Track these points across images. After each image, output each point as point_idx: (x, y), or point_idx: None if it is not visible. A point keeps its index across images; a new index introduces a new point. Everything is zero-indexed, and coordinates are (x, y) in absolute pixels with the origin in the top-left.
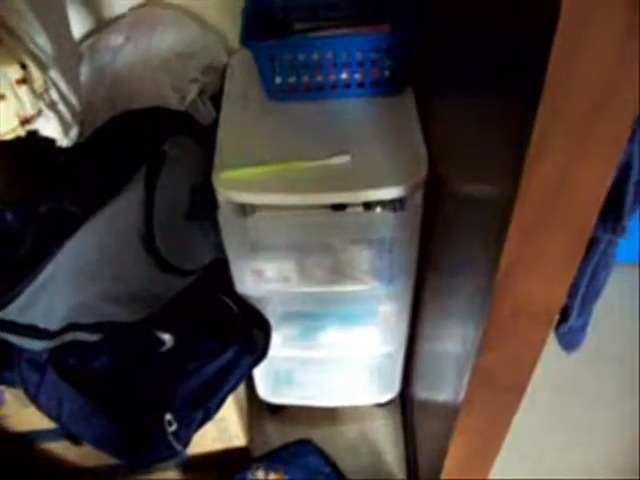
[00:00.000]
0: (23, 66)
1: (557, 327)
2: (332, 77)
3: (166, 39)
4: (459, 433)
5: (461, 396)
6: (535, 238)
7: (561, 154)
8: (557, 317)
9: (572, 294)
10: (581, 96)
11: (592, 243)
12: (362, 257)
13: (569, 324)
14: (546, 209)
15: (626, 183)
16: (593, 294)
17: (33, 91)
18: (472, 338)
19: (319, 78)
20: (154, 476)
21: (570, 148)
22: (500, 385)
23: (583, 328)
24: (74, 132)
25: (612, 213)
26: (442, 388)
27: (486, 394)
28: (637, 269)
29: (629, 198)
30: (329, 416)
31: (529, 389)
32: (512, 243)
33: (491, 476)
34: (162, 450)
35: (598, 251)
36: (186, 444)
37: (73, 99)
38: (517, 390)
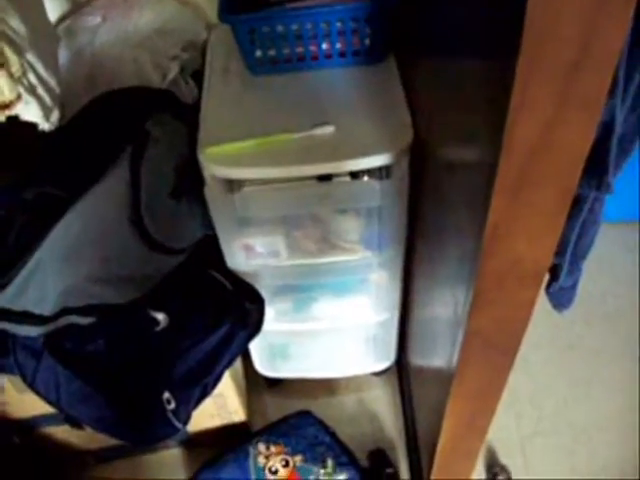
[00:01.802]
0: None
1: (548, 287)
2: (313, 48)
3: (144, 17)
4: (454, 397)
5: (454, 360)
6: (519, 197)
7: (542, 109)
8: (547, 277)
9: (561, 253)
10: (561, 47)
11: (578, 201)
12: (351, 227)
13: (559, 283)
14: (529, 167)
15: (609, 139)
16: (582, 252)
17: (10, 75)
18: (463, 302)
19: (299, 49)
20: (156, 455)
21: (551, 102)
22: (492, 347)
23: (573, 287)
24: (55, 116)
25: (596, 170)
26: (436, 353)
27: (479, 356)
28: (634, 228)
29: (612, 154)
30: (327, 387)
31: (525, 349)
32: (497, 203)
33: (490, 437)
34: (162, 428)
35: (585, 209)
36: (186, 421)
37: (52, 82)
38: (509, 351)
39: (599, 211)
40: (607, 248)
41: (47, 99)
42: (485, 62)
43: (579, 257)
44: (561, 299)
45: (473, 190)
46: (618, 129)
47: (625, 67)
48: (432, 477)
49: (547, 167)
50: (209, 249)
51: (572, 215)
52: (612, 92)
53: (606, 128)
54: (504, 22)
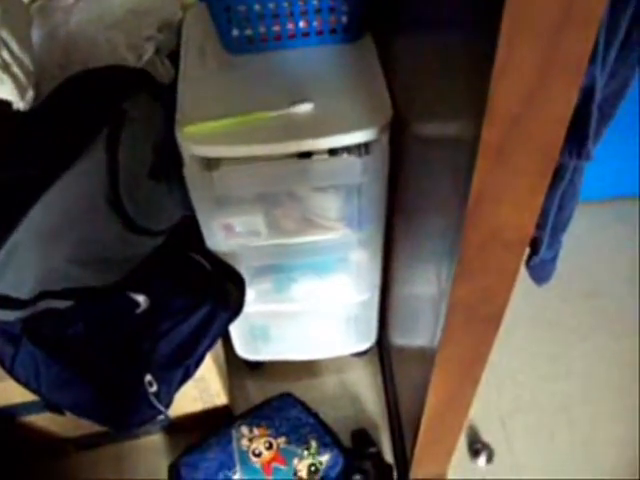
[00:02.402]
0: None
1: (528, 260)
2: (290, 26)
3: None
4: (438, 370)
5: (438, 334)
6: (503, 163)
7: (525, 73)
8: (527, 251)
9: (541, 225)
10: (544, 9)
11: (559, 171)
12: (330, 205)
13: (540, 256)
14: (512, 132)
15: (589, 105)
16: (562, 225)
17: None
18: (446, 274)
19: (276, 28)
20: (138, 441)
21: (535, 65)
22: (476, 317)
23: (553, 260)
24: (30, 94)
25: (577, 137)
26: (419, 331)
27: (463, 328)
28: (607, 206)
29: (593, 120)
30: (308, 369)
31: (504, 326)
32: (480, 170)
33: (472, 415)
34: (145, 411)
35: (565, 179)
36: (168, 404)
37: (26, 60)
38: (494, 321)
39: (578, 182)
40: (584, 225)
41: (22, 77)
42: (466, 31)
43: (559, 230)
44: (541, 272)
45: (455, 160)
46: (598, 95)
47: (605, 33)
48: (415, 454)
49: (530, 132)
50: (188, 230)
51: (552, 186)
52: (592, 58)
53: (586, 94)
54: None
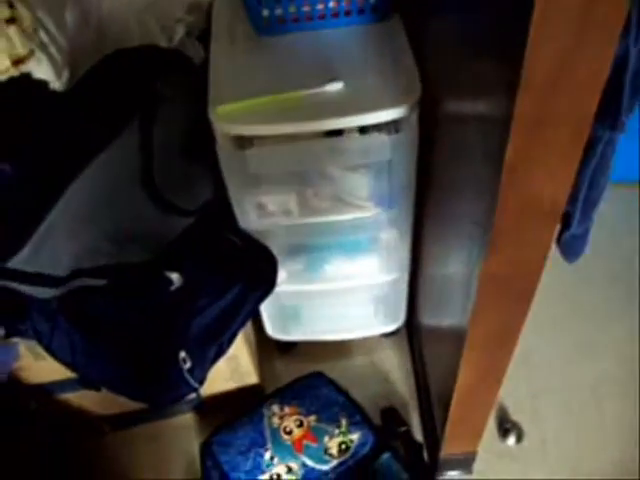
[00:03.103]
0: (11, 5)
1: (559, 237)
2: (319, 7)
3: None
4: (470, 346)
5: (469, 311)
6: (537, 132)
7: (560, 40)
8: (558, 226)
9: (573, 200)
10: None
11: (591, 143)
12: (361, 183)
13: (571, 231)
14: (546, 101)
15: (623, 76)
16: (593, 200)
17: (23, 30)
18: (478, 249)
19: (306, 8)
20: (170, 420)
21: (569, 32)
22: (508, 291)
23: (584, 236)
24: (66, 75)
25: (610, 108)
26: (449, 309)
27: (494, 303)
28: (635, 189)
29: (627, 90)
30: (338, 350)
31: (534, 306)
32: (515, 140)
33: (501, 394)
34: (179, 388)
35: (597, 151)
36: (202, 380)
37: (62, 41)
38: (525, 296)
39: (610, 157)
40: (614, 208)
41: (58, 57)
42: (500, 2)
43: (590, 205)
44: (572, 248)
45: (488, 132)
46: (631, 67)
47: (638, 6)
48: (446, 433)
49: (564, 100)
50: (221, 209)
51: (585, 159)
52: (626, 29)
53: (619, 65)
54: None
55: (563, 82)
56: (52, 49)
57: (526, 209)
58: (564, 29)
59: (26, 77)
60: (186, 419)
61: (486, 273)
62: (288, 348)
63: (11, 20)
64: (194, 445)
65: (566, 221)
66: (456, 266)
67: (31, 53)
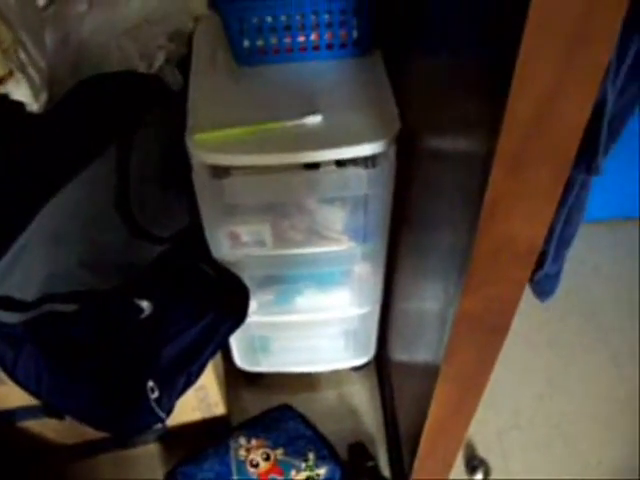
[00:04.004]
0: None
1: (532, 275)
2: (301, 39)
3: (131, 5)
4: (442, 381)
5: (443, 346)
6: (517, 174)
7: (544, 82)
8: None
9: (547, 239)
10: (565, 19)
11: (567, 186)
12: (337, 216)
13: (544, 270)
14: (528, 142)
15: (601, 120)
16: (567, 239)
17: (3, 51)
18: (454, 285)
19: (287, 40)
20: (135, 451)
21: (553, 75)
22: (483, 328)
23: (557, 275)
24: (44, 97)
25: (587, 151)
26: (422, 344)
27: (469, 339)
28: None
29: (604, 135)
30: (306, 382)
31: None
32: (496, 179)
33: (470, 431)
34: (146, 418)
35: (572, 193)
36: (169, 411)
37: (41, 63)
38: (500, 332)
39: (585, 197)
40: (584, 246)
41: (37, 79)
42: (482, 44)
43: (564, 244)
44: (545, 287)
45: (467, 171)
46: (609, 110)
47: (617, 49)
48: (414, 468)
49: (545, 142)
50: (194, 238)
51: (560, 200)
52: (604, 77)
53: (598, 109)
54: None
55: (545, 124)
56: (31, 70)
57: (503, 249)
58: (549, 70)
59: (3, 98)
60: (150, 449)
61: (461, 311)
62: (256, 379)
63: None
64: (158, 475)
65: (540, 260)
66: (430, 302)
67: (10, 74)
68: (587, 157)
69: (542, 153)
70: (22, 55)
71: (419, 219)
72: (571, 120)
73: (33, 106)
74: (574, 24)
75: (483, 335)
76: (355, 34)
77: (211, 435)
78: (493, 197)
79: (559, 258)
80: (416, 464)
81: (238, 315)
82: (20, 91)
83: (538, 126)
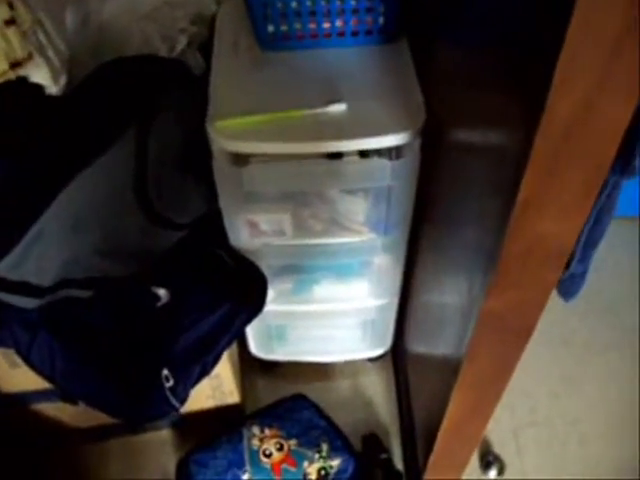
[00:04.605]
0: (11, 6)
1: None
2: (326, 25)
3: None
4: (462, 382)
5: (464, 345)
6: (552, 175)
7: (585, 83)
8: None
9: (575, 239)
10: (608, 19)
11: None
12: (358, 207)
13: (570, 270)
14: (565, 143)
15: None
16: (595, 239)
17: (22, 32)
18: (479, 284)
19: (312, 26)
20: (146, 435)
21: (595, 76)
22: (507, 330)
23: (583, 275)
24: (63, 79)
25: (624, 154)
26: (442, 339)
27: (492, 340)
28: (632, 222)
29: None
30: (321, 372)
31: None
32: (529, 180)
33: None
34: (159, 406)
35: (604, 193)
36: (183, 400)
37: (61, 45)
38: (524, 333)
39: (616, 198)
40: (605, 242)
41: (56, 61)
42: (521, 40)
43: (592, 245)
44: (570, 287)
45: (497, 168)
46: None
47: None
48: (429, 464)
49: (584, 144)
50: (212, 226)
51: None
52: None
53: (637, 111)
54: None
55: (584, 125)
56: (50, 52)
57: (533, 250)
58: (592, 71)
59: (22, 80)
60: (163, 435)
61: (485, 311)
62: (271, 367)
63: (10, 21)
64: (170, 462)
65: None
66: (451, 298)
67: (29, 56)
68: (623, 159)
69: (580, 154)
70: (41, 37)
71: (442, 213)
72: (611, 122)
73: (52, 89)
74: (618, 24)
75: (506, 337)
76: (381, 20)
77: (225, 423)
78: (526, 197)
79: (586, 258)
80: (431, 460)
81: (255, 305)
82: (39, 74)
83: (577, 127)
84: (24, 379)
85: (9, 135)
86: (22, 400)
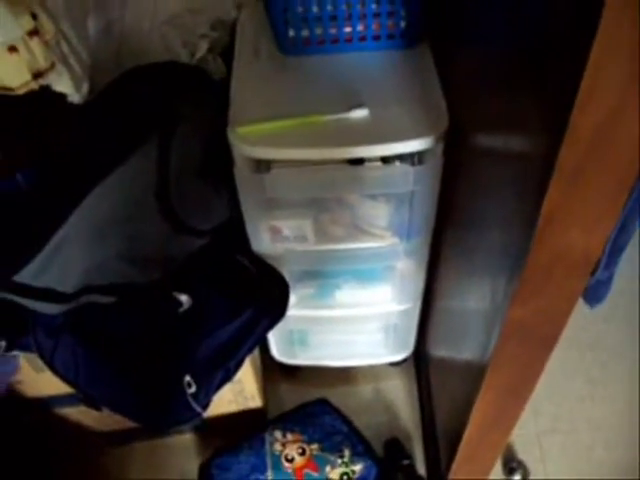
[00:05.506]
0: (34, 16)
1: None
2: (347, 29)
3: None
4: (486, 389)
5: (489, 352)
6: (578, 184)
7: (612, 93)
8: None
9: None
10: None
11: None
12: (381, 213)
13: (596, 277)
14: (592, 153)
15: None
16: (621, 245)
17: (45, 43)
18: (503, 292)
19: (333, 30)
20: (169, 439)
21: (621, 85)
22: (532, 338)
23: (609, 281)
24: (85, 87)
25: None
26: (465, 345)
27: (517, 348)
28: None
29: None
30: (343, 376)
31: None
32: (555, 189)
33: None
34: (182, 412)
35: (632, 198)
36: (205, 406)
37: (83, 53)
38: (549, 343)
39: None
40: (630, 246)
41: (78, 70)
42: (548, 47)
43: (617, 251)
44: (596, 293)
45: (521, 176)
46: None
47: None
48: (452, 470)
49: (610, 154)
50: (234, 232)
51: None
52: None
53: None
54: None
55: (612, 134)
56: (73, 61)
57: (559, 259)
58: (618, 81)
59: (45, 89)
60: (185, 439)
61: (511, 319)
62: (293, 371)
63: (34, 32)
64: (192, 466)
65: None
66: (475, 304)
67: (52, 66)
68: None
69: (606, 164)
70: (64, 46)
71: (466, 219)
72: (637, 132)
73: (74, 97)
74: None
75: (531, 345)
76: (403, 25)
77: (247, 427)
78: (551, 206)
79: (611, 264)
80: (454, 467)
81: (278, 311)
82: (62, 82)
83: (604, 136)
84: (49, 384)
85: (32, 145)
86: (46, 404)
